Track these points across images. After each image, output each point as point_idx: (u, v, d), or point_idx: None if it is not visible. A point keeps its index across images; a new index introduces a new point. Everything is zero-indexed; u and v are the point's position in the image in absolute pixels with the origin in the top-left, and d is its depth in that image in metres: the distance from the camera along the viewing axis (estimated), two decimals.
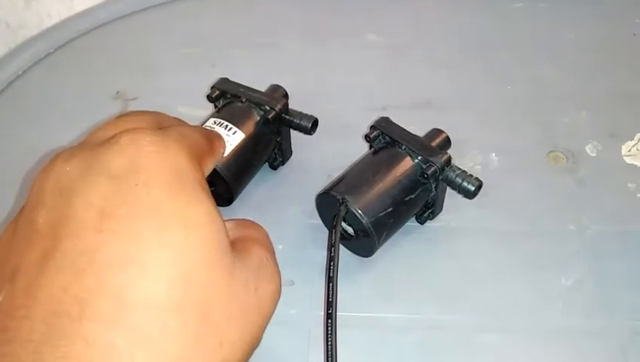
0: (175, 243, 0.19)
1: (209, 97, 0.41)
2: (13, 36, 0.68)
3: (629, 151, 0.44)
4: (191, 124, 0.30)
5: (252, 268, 0.22)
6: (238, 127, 0.38)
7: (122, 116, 0.25)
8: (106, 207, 0.19)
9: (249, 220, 0.26)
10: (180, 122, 0.28)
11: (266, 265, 0.23)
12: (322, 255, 0.37)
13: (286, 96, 0.42)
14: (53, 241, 0.19)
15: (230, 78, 0.42)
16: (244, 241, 0.23)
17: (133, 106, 0.50)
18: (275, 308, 0.23)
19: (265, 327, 0.22)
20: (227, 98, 0.41)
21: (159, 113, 0.27)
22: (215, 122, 0.39)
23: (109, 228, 0.19)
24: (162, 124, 0.26)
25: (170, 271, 0.19)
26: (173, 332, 0.18)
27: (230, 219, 0.25)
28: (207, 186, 0.22)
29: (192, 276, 0.19)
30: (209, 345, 0.19)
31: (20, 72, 0.54)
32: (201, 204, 0.20)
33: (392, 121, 0.39)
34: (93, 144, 0.21)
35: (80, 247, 0.19)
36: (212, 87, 0.41)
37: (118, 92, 0.51)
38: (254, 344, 0.21)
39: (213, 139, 0.27)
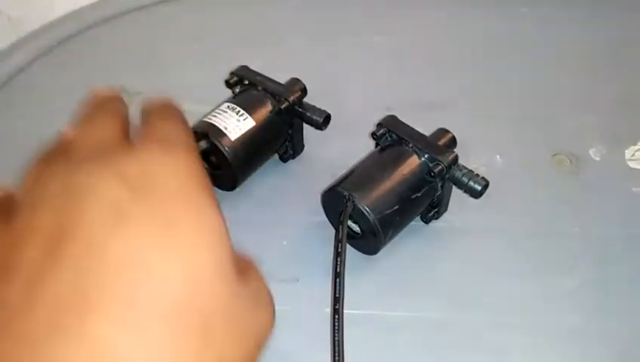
0: (185, 251, 0.19)
1: (227, 82, 0.42)
2: (16, 30, 0.67)
3: (633, 155, 0.45)
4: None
5: (252, 291, 0.22)
6: (249, 113, 0.39)
7: (87, 115, 0.24)
8: (120, 209, 0.19)
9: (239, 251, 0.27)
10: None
11: (262, 291, 0.23)
12: (326, 252, 0.37)
13: (304, 90, 0.42)
14: (61, 241, 0.19)
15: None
16: (241, 267, 0.23)
17: (137, 102, 0.50)
18: (269, 336, 0.23)
19: (260, 354, 0.22)
20: (244, 85, 0.41)
21: (116, 108, 0.25)
22: (228, 107, 0.39)
23: (122, 230, 0.19)
24: (124, 115, 0.25)
25: (178, 279, 0.19)
26: (174, 340, 0.18)
27: None
28: (211, 187, 0.22)
29: (198, 287, 0.19)
30: (209, 359, 0.19)
31: (23, 65, 0.53)
32: (214, 216, 0.20)
33: (398, 120, 0.39)
34: (98, 148, 0.21)
35: (91, 247, 0.18)
36: (231, 73, 0.42)
37: (121, 87, 0.51)
38: None
39: (185, 119, 0.26)
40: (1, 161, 0.46)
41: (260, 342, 0.22)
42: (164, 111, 0.25)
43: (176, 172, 0.21)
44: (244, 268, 0.23)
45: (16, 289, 0.18)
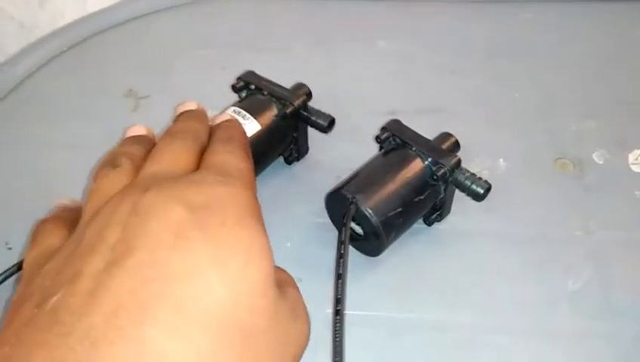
0: (235, 268, 0.21)
1: (234, 87, 0.42)
2: (27, 36, 0.69)
3: (636, 159, 0.45)
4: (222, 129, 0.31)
5: (289, 306, 0.24)
6: (255, 117, 0.39)
7: (166, 144, 0.28)
8: (181, 229, 0.21)
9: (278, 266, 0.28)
10: (217, 138, 0.29)
11: (299, 304, 0.25)
12: (329, 254, 0.38)
13: (309, 94, 0.42)
14: (125, 253, 0.20)
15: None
16: (280, 281, 0.25)
17: (144, 104, 0.51)
18: (305, 348, 0.25)
19: None
20: (250, 90, 0.42)
21: (197, 136, 0.29)
22: (234, 110, 0.40)
23: (180, 247, 0.21)
24: (203, 142, 0.29)
25: (225, 294, 0.20)
26: (216, 348, 0.20)
27: None
28: (262, 216, 0.24)
29: (242, 302, 0.21)
30: None
31: (34, 69, 0.54)
32: (262, 238, 0.23)
33: (402, 124, 0.39)
34: (166, 178, 0.24)
35: (152, 259, 0.20)
36: (238, 78, 0.42)
37: (129, 90, 0.52)
38: None
39: (247, 145, 0.30)
40: (10, 165, 0.47)
41: (297, 354, 0.24)
42: (228, 137, 0.29)
43: (233, 203, 0.23)
44: (283, 282, 0.25)
45: (80, 294, 0.20)
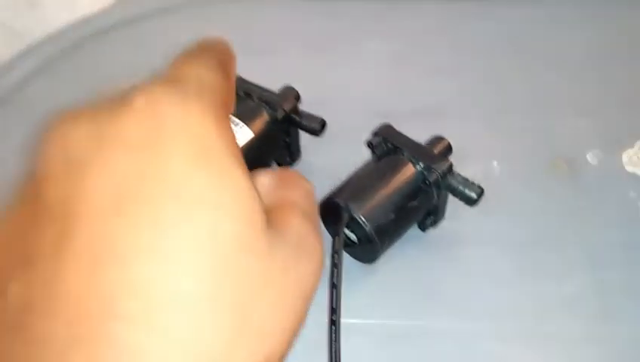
0: (204, 228, 0.17)
1: None
2: (18, 41, 0.68)
3: (630, 159, 0.45)
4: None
5: (291, 245, 0.19)
6: (246, 124, 0.39)
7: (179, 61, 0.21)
8: (123, 186, 0.17)
9: (288, 173, 0.23)
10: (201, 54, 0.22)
11: (306, 238, 0.20)
12: (325, 261, 0.37)
13: (297, 97, 0.42)
14: (67, 222, 0.17)
15: None
16: (283, 210, 0.20)
17: None
18: (317, 285, 0.20)
19: (307, 308, 0.19)
20: (239, 96, 0.42)
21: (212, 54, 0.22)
22: None
23: (129, 211, 0.16)
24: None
25: (200, 261, 0.16)
26: (208, 331, 0.16)
27: (268, 173, 0.22)
28: (236, 147, 0.18)
29: (224, 264, 0.17)
30: (249, 339, 0.17)
31: (24, 78, 0.54)
32: (232, 177, 0.18)
33: (393, 128, 0.39)
34: (107, 103, 0.18)
35: (98, 233, 0.16)
36: None
37: None
38: (297, 329, 0.19)
39: (230, 67, 0.23)
40: (0, 178, 0.46)
41: (305, 296, 0.19)
42: (206, 47, 0.22)
43: (187, 132, 0.17)
44: (282, 212, 0.20)
45: (37, 285, 0.16)
